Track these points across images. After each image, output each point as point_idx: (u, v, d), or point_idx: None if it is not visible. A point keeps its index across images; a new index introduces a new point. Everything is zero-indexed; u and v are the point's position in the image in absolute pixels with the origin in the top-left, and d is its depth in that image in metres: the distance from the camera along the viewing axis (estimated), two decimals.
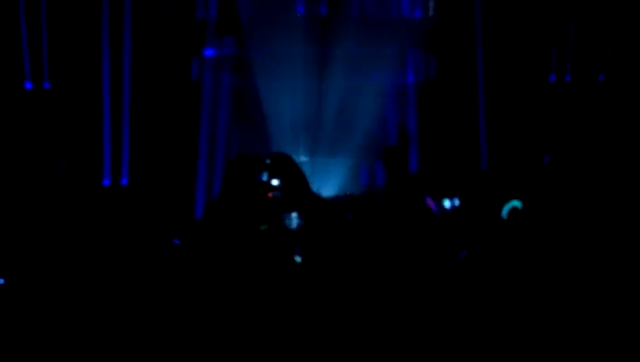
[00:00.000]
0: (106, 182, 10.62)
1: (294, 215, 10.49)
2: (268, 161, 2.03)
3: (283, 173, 2.10)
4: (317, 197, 2.11)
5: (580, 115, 9.90)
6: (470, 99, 10.58)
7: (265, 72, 10.60)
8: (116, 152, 10.65)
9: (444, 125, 10.63)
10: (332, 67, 10.51)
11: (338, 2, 10.94)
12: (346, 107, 10.59)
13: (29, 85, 10.46)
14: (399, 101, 10.84)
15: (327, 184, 10.05)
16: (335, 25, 10.72)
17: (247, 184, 2.10)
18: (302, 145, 10.24)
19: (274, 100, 10.50)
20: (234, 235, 2.28)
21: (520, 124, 10.04)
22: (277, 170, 2.09)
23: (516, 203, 4.22)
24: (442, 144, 10.65)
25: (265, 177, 2.03)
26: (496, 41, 10.20)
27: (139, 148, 10.75)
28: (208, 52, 10.93)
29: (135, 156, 10.69)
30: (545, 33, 10.01)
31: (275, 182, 2.02)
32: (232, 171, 2.10)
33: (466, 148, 10.55)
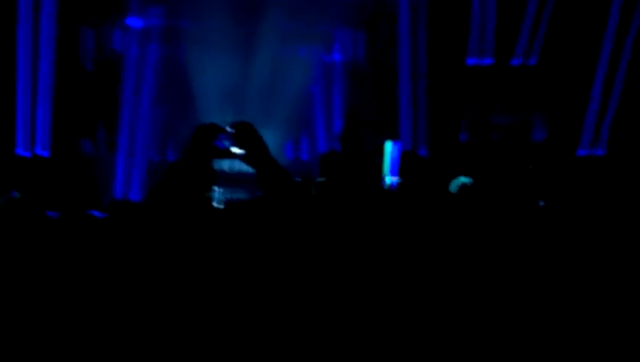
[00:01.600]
0: (19, 151, 10.22)
1: (218, 189, 10.50)
2: (230, 130, 2.11)
3: (246, 141, 2.19)
4: (280, 167, 2.21)
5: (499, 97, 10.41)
6: (392, 80, 10.88)
7: (193, 44, 10.48)
8: (32, 122, 10.24)
9: (368, 104, 10.91)
10: (260, 41, 10.52)
11: None
12: (273, 81, 10.66)
13: None
14: (326, 78, 11.03)
15: None
16: None
17: (208, 151, 2.17)
18: (229, 117, 10.24)
19: (201, 72, 10.43)
20: (185, 205, 2.33)
21: (443, 105, 10.42)
22: (240, 138, 2.17)
23: (464, 179, 4.47)
24: (367, 122, 10.93)
25: (227, 145, 2.11)
26: (420, 23, 10.51)
27: (57, 118, 10.39)
28: (134, 22, 10.66)
29: (53, 126, 10.32)
30: (465, 14, 10.37)
31: (237, 150, 2.11)
32: (194, 139, 2.15)
33: (388, 126, 10.88)
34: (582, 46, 9.98)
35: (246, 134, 2.20)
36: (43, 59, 10.04)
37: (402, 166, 7.67)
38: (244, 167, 10.63)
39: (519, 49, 10.27)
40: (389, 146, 5.54)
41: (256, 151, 2.19)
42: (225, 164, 10.87)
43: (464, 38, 10.34)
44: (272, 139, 11.19)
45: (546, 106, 10.66)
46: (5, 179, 8.87)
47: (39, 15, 9.98)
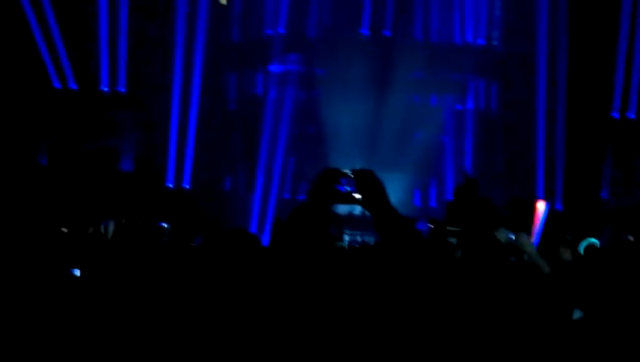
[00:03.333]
0: (170, 184, 11.05)
1: (348, 231, 10.68)
2: (352, 175, 2.27)
3: (366, 187, 2.32)
4: (398, 215, 2.31)
5: None
6: (529, 131, 10.59)
7: (328, 89, 10.94)
8: (180, 158, 11.08)
9: (501, 155, 10.71)
10: (393, 87, 10.75)
11: (402, 26, 11.21)
12: (405, 128, 10.81)
13: (105, 88, 11.02)
14: (457, 126, 11.00)
15: None
16: (398, 47, 10.98)
17: (330, 195, 2.33)
18: (359, 158, 10.56)
19: (335, 115, 10.81)
20: (309, 248, 2.48)
21: (581, 159, 9.95)
22: (360, 184, 2.31)
23: (593, 240, 4.29)
24: (498, 174, 10.73)
25: (348, 190, 2.26)
26: (559, 75, 10.23)
27: (203, 155, 11.16)
28: (274, 68, 11.35)
29: (198, 163, 11.10)
30: (608, 69, 9.95)
31: (357, 195, 2.26)
32: (318, 183, 2.32)
33: (521, 178, 10.58)
34: None
35: (366, 180, 2.35)
36: (192, 103, 10.93)
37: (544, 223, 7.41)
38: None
39: None
40: (542, 206, 5.36)
41: (374, 197, 2.33)
42: (356, 208, 11.10)
43: (605, 93, 9.89)
44: (402, 184, 11.32)
45: None
46: (157, 209, 9.58)
47: (191, 63, 10.90)
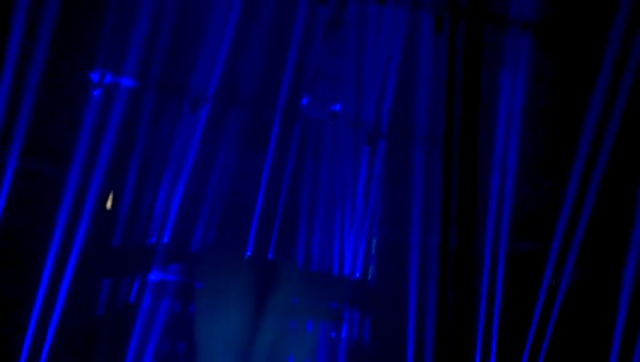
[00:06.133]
0: None
1: None
2: None
3: None
4: None
5: None
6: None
7: (204, 304, 10.76)
8: None
9: None
10: (270, 309, 10.80)
11: (284, 251, 11.65)
12: (278, 350, 10.71)
13: None
14: (330, 353, 11.01)
15: None
16: (279, 271, 11.28)
17: None
18: None
19: (208, 332, 10.53)
20: None
21: None
22: None
23: None
24: None
25: None
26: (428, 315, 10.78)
27: None
28: (153, 276, 11.09)
29: None
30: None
31: None
32: None
33: None
34: None
35: None
36: (56, 308, 10.27)
37: None
38: None
39: None
40: None
41: None
42: None
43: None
44: None
45: None
46: None
47: (63, 265, 10.47)
